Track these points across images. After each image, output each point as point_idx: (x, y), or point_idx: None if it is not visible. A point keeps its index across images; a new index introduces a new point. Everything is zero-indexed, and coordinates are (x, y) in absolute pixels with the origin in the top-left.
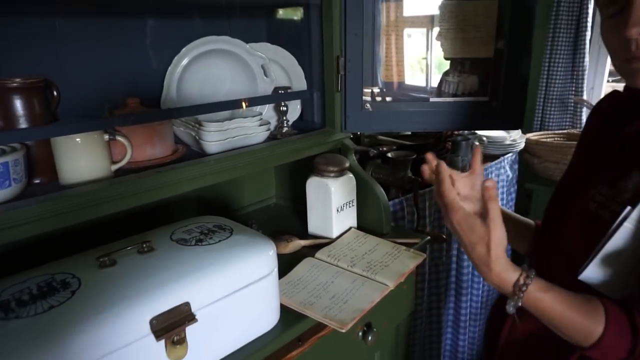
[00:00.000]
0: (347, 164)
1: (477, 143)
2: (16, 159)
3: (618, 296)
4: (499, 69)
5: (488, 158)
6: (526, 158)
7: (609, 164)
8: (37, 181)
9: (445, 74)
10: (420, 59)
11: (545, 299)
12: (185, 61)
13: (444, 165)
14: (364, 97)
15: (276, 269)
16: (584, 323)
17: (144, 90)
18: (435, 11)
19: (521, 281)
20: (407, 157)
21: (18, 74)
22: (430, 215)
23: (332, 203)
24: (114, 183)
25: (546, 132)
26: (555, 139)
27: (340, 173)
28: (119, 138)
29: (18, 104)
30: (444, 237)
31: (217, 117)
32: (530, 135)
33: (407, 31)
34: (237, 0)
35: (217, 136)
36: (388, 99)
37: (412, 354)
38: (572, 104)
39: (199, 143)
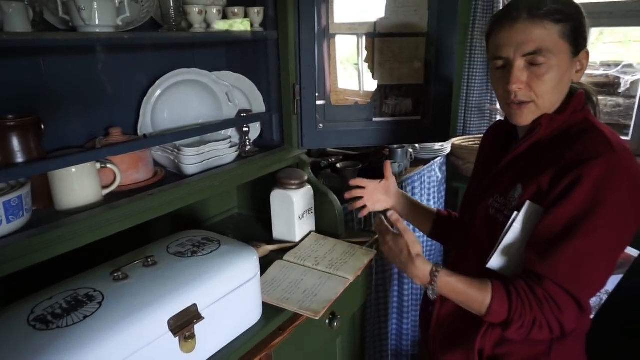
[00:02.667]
0: (306, 177)
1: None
2: (27, 191)
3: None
4: (429, 93)
5: (420, 162)
6: (452, 161)
7: (500, 178)
8: (34, 208)
9: (385, 97)
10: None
11: (451, 281)
12: (158, 92)
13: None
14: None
15: (259, 272)
16: (478, 296)
17: (121, 118)
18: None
19: (434, 269)
20: (354, 167)
21: (6, 110)
22: (374, 215)
23: (295, 212)
24: (112, 207)
25: (468, 136)
26: (476, 142)
27: (300, 185)
28: (110, 166)
29: (15, 140)
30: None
31: (189, 140)
32: (454, 140)
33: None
34: (202, 38)
35: (194, 159)
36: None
37: (364, 338)
38: (488, 112)
39: (177, 166)
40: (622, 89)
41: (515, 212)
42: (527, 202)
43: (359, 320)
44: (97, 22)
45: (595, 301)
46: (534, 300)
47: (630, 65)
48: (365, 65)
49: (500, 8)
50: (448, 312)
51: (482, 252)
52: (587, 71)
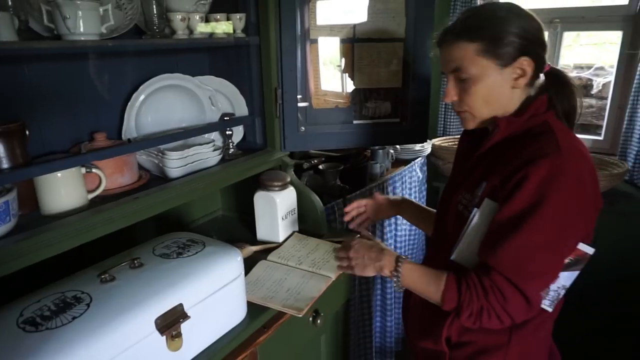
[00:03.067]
0: (289, 179)
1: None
2: (14, 196)
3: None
4: (407, 96)
5: (401, 162)
6: (433, 161)
7: (468, 176)
8: (20, 213)
9: (365, 100)
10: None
11: (413, 268)
12: (142, 97)
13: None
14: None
15: (243, 272)
16: (434, 284)
17: (105, 123)
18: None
19: (399, 258)
20: (336, 168)
21: None
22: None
23: (278, 213)
24: (98, 211)
25: (447, 137)
26: (455, 142)
27: (283, 187)
28: (95, 170)
29: (0, 146)
30: (370, 234)
31: (173, 144)
32: (435, 141)
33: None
34: (186, 44)
35: (178, 163)
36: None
37: (348, 335)
38: None
39: (161, 169)
40: (594, 91)
41: (475, 209)
42: (485, 199)
43: (342, 317)
44: (81, 30)
45: (553, 295)
46: (480, 289)
47: (602, 68)
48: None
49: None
50: (422, 302)
51: (453, 246)
52: None
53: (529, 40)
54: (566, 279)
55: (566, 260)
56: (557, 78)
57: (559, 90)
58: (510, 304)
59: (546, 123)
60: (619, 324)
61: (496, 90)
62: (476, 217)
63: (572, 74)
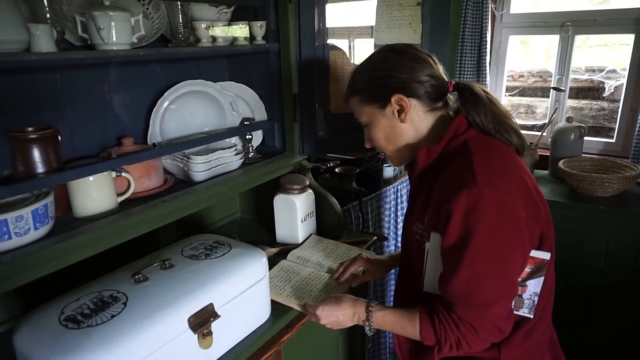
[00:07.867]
0: (307, 182)
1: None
2: (52, 199)
3: None
4: None
5: None
6: None
7: (415, 205)
8: (55, 216)
9: None
10: None
11: (385, 315)
12: (166, 103)
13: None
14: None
15: (268, 273)
16: (409, 326)
17: (129, 127)
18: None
19: (368, 305)
20: (351, 172)
21: (24, 122)
22: (372, 218)
23: (298, 215)
24: (129, 214)
25: None
26: None
27: (302, 190)
28: (124, 174)
29: (36, 152)
30: (385, 236)
31: (196, 148)
32: None
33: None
34: (210, 52)
35: (203, 167)
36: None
37: (364, 337)
38: None
39: (186, 173)
40: (606, 93)
41: (427, 242)
42: (431, 233)
43: None
44: (114, 39)
45: (528, 303)
46: (451, 322)
47: (614, 71)
48: None
49: (489, 16)
50: None
51: (420, 273)
52: (574, 76)
53: (393, 79)
54: (535, 285)
55: (527, 270)
56: (464, 93)
57: (473, 104)
58: (480, 332)
59: (465, 144)
60: (634, 324)
61: (389, 129)
62: (429, 250)
63: (584, 76)
